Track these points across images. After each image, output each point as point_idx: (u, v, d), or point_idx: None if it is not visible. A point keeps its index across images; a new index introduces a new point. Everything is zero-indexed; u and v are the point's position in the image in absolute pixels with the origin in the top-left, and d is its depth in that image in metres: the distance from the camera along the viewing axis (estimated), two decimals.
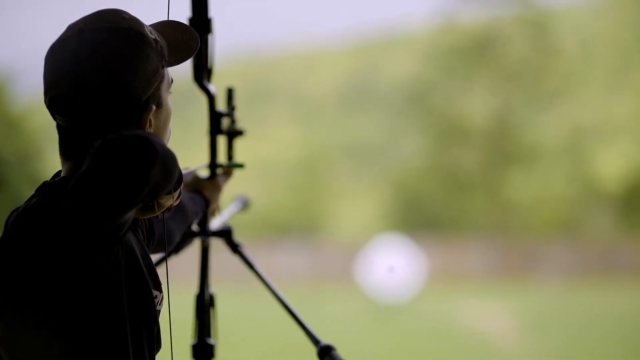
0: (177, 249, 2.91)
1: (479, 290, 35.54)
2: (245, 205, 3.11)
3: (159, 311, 2.23)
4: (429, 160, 47.69)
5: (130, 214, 2.02)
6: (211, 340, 2.96)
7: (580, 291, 33.33)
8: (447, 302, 26.36)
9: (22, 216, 2.06)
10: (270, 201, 58.52)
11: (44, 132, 27.55)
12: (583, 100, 49.79)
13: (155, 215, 2.13)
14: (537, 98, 46.31)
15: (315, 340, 2.70)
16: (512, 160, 45.73)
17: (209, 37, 2.83)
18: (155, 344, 2.19)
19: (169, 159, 2.01)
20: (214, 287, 3.02)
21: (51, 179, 2.18)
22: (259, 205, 55.59)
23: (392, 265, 24.25)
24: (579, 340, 14.95)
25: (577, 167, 51.69)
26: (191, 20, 2.85)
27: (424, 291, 30.38)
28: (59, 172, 2.21)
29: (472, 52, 44.65)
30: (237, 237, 2.98)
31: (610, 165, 52.48)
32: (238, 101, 2.95)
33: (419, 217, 54.80)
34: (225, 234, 2.94)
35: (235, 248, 2.94)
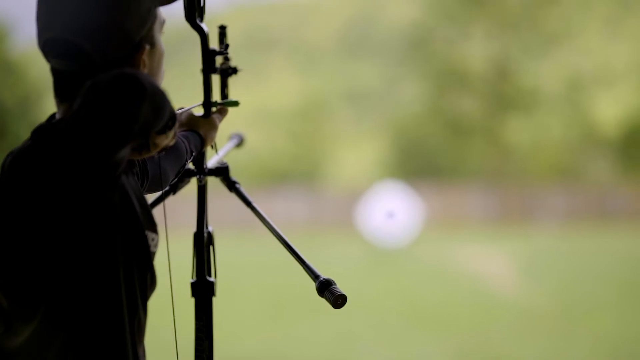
0: (175, 189, 2.93)
1: (477, 235, 35.73)
2: (240, 142, 3.13)
3: (154, 253, 2.25)
4: (428, 106, 47.69)
5: (123, 153, 2.04)
6: (211, 278, 2.99)
7: (577, 235, 33.50)
8: (446, 246, 26.49)
9: (17, 158, 2.07)
10: (270, 148, 58.66)
11: (44, 78, 27.53)
12: (582, 47, 49.65)
13: (150, 155, 2.15)
14: (536, 44, 46.10)
15: (315, 276, 2.73)
16: (511, 105, 45.72)
17: None
18: (150, 285, 2.22)
19: (159, 96, 2.04)
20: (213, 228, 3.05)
21: (46, 121, 2.19)
22: (259, 153, 55.85)
23: (392, 211, 24.34)
24: (576, 282, 15.07)
25: (575, 113, 51.81)
26: None
27: (423, 236, 30.56)
28: (54, 114, 2.22)
29: None
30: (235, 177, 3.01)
31: (608, 111, 52.56)
32: (237, 49, 2.96)
33: (419, 163, 54.84)
34: (221, 172, 2.96)
35: (232, 186, 2.97)
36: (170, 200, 3.05)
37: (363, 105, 65.21)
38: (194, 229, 2.96)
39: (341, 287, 2.72)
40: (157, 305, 4.45)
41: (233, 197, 3.01)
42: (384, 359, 8.05)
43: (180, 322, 3.65)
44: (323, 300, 2.67)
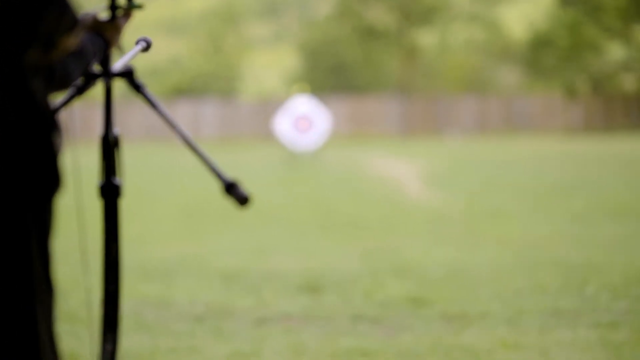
0: (81, 91, 2.95)
1: (388, 145, 36.02)
2: (147, 46, 3.15)
3: (59, 152, 2.28)
4: (340, 15, 47.39)
5: (30, 56, 2.07)
6: (117, 180, 3.03)
7: (487, 144, 34.00)
8: (357, 156, 26.74)
9: None
10: (186, 60, 58.13)
11: None
12: None
13: (56, 57, 2.18)
14: None
15: (220, 177, 2.78)
16: (422, 18, 45.76)
17: None
18: (57, 185, 2.26)
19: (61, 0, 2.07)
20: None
21: None
22: (177, 65, 54.94)
23: (306, 120, 24.43)
24: (484, 189, 15.39)
25: (483, 25, 52.53)
26: None
27: (335, 146, 30.75)
28: None
29: None
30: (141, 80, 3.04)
31: (514, 24, 53.26)
32: None
33: (331, 74, 54.90)
34: (127, 75, 2.99)
35: (138, 88, 3.00)
36: (83, 107, 3.06)
37: (278, 16, 64.75)
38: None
39: (255, 194, 2.77)
40: (66, 210, 4.48)
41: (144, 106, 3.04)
42: (295, 265, 8.18)
43: (90, 226, 3.69)
44: (236, 210, 2.72)
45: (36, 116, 2.16)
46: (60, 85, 2.64)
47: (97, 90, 3.06)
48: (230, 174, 2.81)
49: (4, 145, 2.11)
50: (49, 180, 2.22)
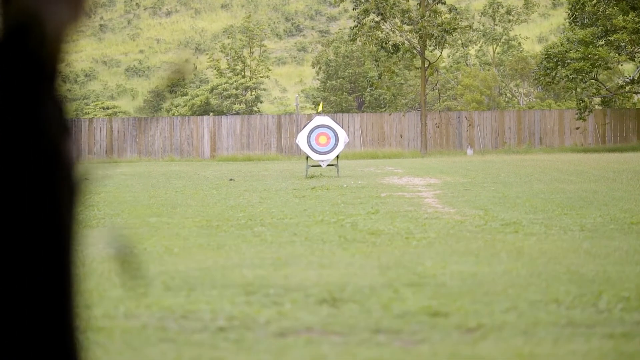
0: None
1: (406, 160, 36.03)
2: None
3: (72, 159, 2.28)
4: (361, 38, 47.59)
5: None
6: None
7: (504, 156, 34.02)
8: (376, 169, 26.80)
9: None
10: (210, 79, 58.32)
11: None
12: None
13: None
14: None
15: None
16: (438, 37, 45.86)
17: None
18: (69, 190, 2.26)
19: None
20: None
21: None
22: (200, 83, 54.88)
23: (325, 136, 24.55)
24: (500, 202, 15.47)
25: (500, 45, 52.52)
26: None
27: (354, 160, 30.79)
28: None
29: None
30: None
31: (528, 44, 53.27)
32: None
33: (352, 93, 55.00)
34: None
35: None
36: None
37: (296, 35, 64.95)
38: None
39: (275, 208, 2.89)
40: (90, 222, 4.61)
41: None
42: (315, 277, 8.30)
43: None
44: (256, 223, 2.82)
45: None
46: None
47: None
48: (252, 189, 2.95)
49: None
50: (58, 186, 2.22)
